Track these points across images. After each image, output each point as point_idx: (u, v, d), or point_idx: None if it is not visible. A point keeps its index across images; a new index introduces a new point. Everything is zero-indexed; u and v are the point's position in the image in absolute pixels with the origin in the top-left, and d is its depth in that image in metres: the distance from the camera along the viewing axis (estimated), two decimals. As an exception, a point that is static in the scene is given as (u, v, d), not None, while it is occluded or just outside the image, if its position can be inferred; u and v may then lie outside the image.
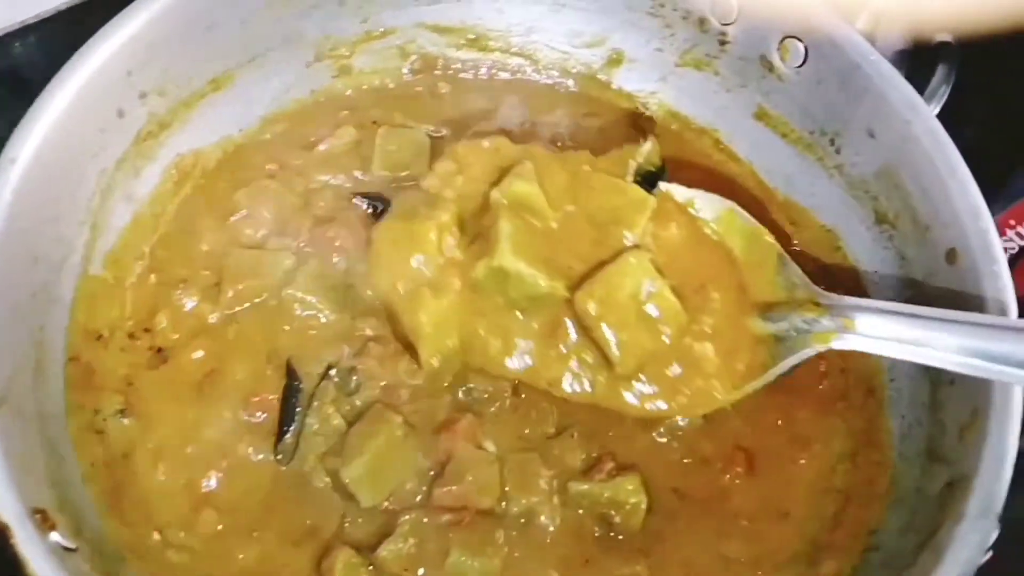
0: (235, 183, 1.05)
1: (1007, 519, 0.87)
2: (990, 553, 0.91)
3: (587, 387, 0.90)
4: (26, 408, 0.80)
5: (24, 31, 1.17)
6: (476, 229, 0.93)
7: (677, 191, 0.96)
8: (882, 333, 0.85)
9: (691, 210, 0.96)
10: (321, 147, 1.08)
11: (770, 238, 0.94)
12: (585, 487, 0.90)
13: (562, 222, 0.93)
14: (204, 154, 1.05)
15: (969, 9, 1.04)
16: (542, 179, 0.94)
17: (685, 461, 0.94)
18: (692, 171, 1.11)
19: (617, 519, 0.90)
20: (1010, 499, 0.87)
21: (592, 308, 0.88)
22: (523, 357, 0.91)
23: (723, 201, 0.96)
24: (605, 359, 0.89)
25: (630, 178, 0.97)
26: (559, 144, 1.12)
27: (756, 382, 0.90)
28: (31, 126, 0.85)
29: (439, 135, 1.11)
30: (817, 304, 0.89)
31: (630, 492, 0.89)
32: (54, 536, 0.72)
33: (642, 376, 0.89)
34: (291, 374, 0.93)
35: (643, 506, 0.90)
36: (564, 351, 0.90)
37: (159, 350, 0.95)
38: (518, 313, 0.91)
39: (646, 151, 1.00)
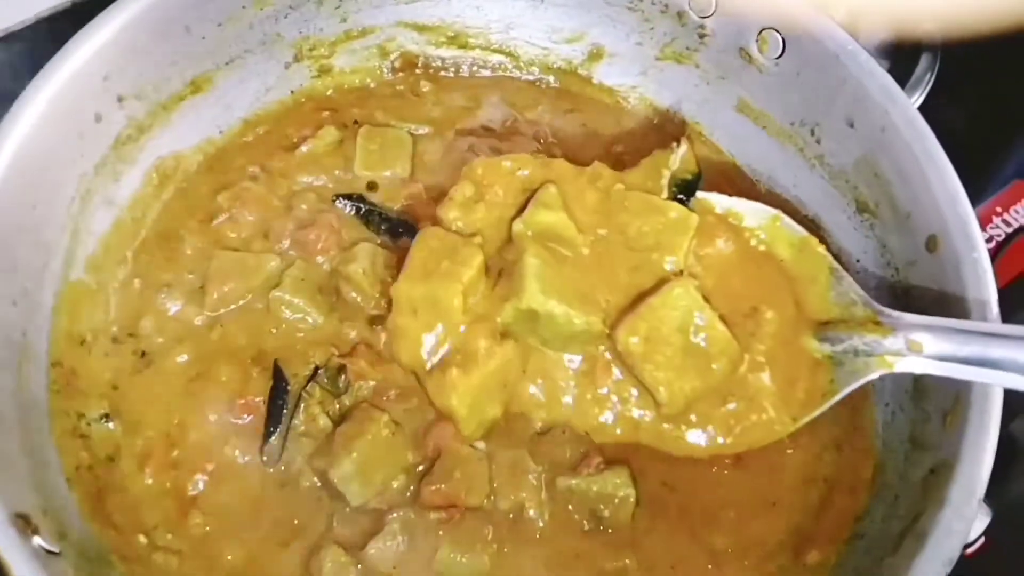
0: (217, 186, 1.05)
1: (1000, 505, 0.88)
2: (982, 539, 0.91)
3: (631, 430, 0.88)
4: (8, 415, 0.80)
5: (7, 39, 1.18)
6: (500, 264, 0.89)
7: (717, 200, 0.92)
8: (954, 354, 0.79)
9: (732, 220, 0.92)
10: (303, 148, 1.08)
11: (820, 248, 0.89)
12: (574, 482, 0.89)
13: (595, 248, 0.88)
14: (185, 157, 1.05)
15: (950, 11, 1.04)
16: (570, 202, 0.89)
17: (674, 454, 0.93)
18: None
19: (606, 513, 0.89)
20: (1003, 485, 0.88)
21: (635, 346, 0.84)
22: (563, 402, 0.88)
23: (767, 209, 0.91)
24: (651, 399, 0.85)
25: (665, 193, 0.93)
26: (542, 140, 1.12)
27: (816, 411, 0.86)
28: (7, 133, 0.86)
29: (421, 133, 1.11)
30: (878, 323, 0.84)
31: (619, 485, 0.89)
32: (37, 540, 0.72)
33: (692, 416, 0.86)
34: (278, 375, 0.93)
35: (632, 499, 0.89)
36: (605, 392, 0.87)
37: (143, 354, 0.95)
38: (556, 354, 0.87)
39: (680, 156, 0.95)
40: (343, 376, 0.93)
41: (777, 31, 1.01)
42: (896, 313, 0.85)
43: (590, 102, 1.17)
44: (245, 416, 0.92)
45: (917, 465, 0.85)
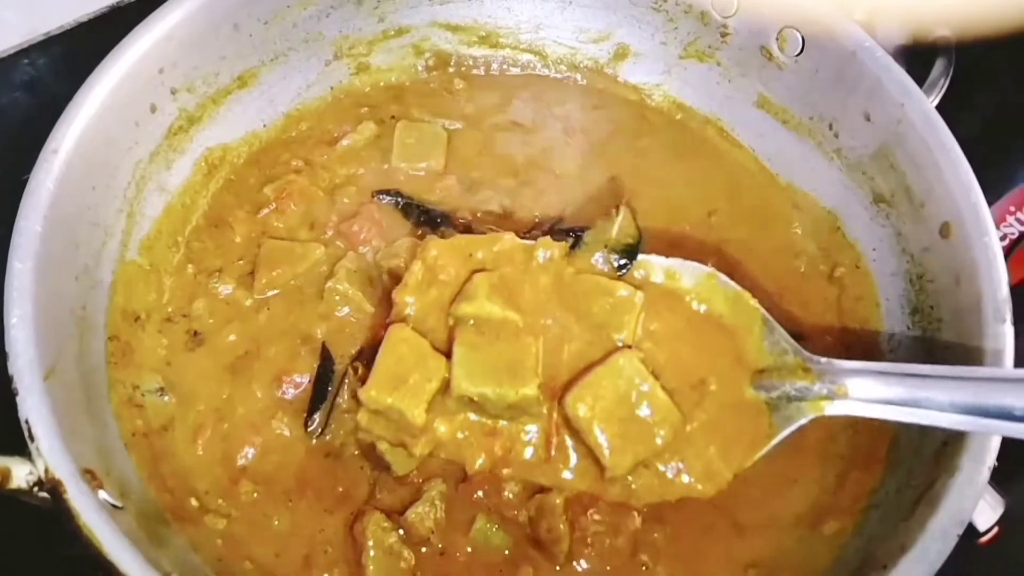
0: (263, 179, 1.10)
1: (1014, 497, 0.91)
2: (996, 528, 0.94)
3: (584, 483, 0.90)
4: (72, 380, 0.84)
5: (46, 43, 1.23)
6: (449, 344, 0.91)
7: (656, 261, 0.95)
8: (876, 396, 0.84)
9: (671, 282, 0.95)
10: (343, 142, 1.13)
11: (753, 302, 0.93)
12: None
13: (548, 329, 0.91)
14: (231, 148, 1.10)
15: (966, 11, 1.08)
16: (518, 285, 0.92)
17: None
18: (699, 161, 1.17)
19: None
20: (1018, 478, 0.91)
21: (583, 412, 0.87)
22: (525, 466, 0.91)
23: (702, 268, 0.95)
24: (596, 465, 0.88)
25: (603, 263, 0.96)
26: (570, 135, 1.17)
27: (755, 456, 0.89)
28: (71, 119, 0.90)
29: (455, 128, 1.16)
30: (807, 370, 0.88)
31: None
32: (102, 494, 0.76)
33: (642, 474, 0.89)
34: (325, 355, 0.98)
35: None
36: (553, 455, 0.90)
37: (195, 333, 0.99)
38: (513, 426, 0.90)
39: (619, 223, 0.98)
40: None
41: (797, 30, 1.05)
42: (824, 360, 0.89)
43: (616, 99, 1.21)
44: (291, 393, 0.96)
45: (930, 439, 0.87)
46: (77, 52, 1.18)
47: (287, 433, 0.94)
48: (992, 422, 0.78)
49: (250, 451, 0.93)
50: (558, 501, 0.89)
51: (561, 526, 0.89)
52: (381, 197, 1.08)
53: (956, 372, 0.82)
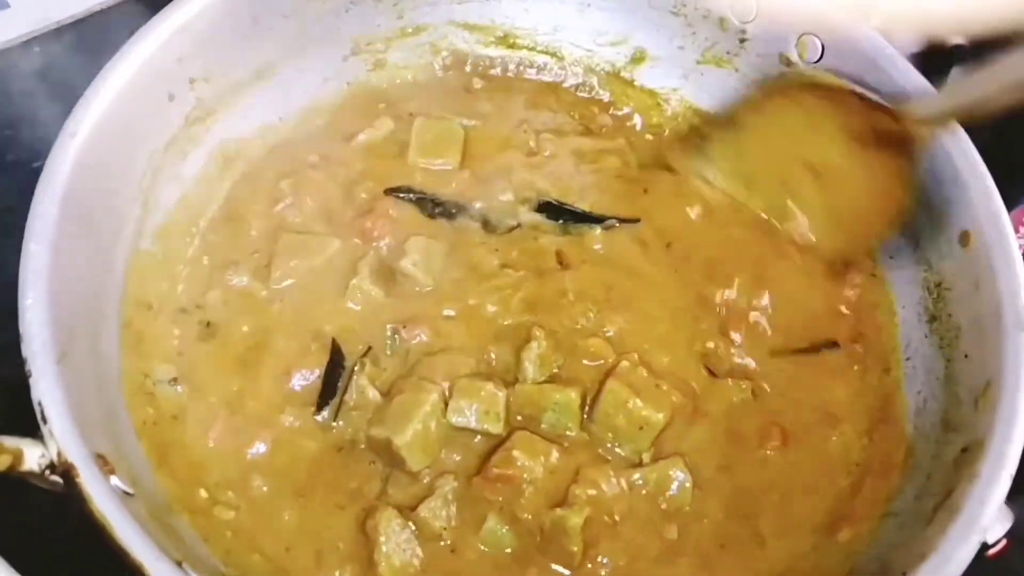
0: (279, 174, 1.09)
1: (1022, 514, 0.90)
2: (1004, 541, 0.94)
3: None
4: (85, 366, 0.83)
5: (58, 32, 1.22)
6: None
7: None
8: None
9: None
10: (360, 138, 1.12)
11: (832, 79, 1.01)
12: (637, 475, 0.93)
13: None
14: (246, 140, 1.09)
15: (978, 11, 1.08)
16: None
17: (726, 436, 0.97)
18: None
19: (663, 506, 0.92)
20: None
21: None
22: None
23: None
24: None
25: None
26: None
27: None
28: (89, 103, 0.89)
29: (471, 126, 1.15)
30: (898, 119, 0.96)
31: (671, 477, 0.92)
32: (114, 480, 0.75)
33: None
34: (336, 351, 0.97)
35: (688, 484, 0.92)
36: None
37: (208, 324, 0.98)
38: None
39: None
40: (398, 336, 0.97)
41: (816, 36, 1.05)
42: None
43: (632, 103, 1.21)
44: (300, 386, 0.95)
45: (949, 446, 0.87)
46: (89, 41, 1.18)
47: (298, 428, 0.93)
48: None
49: (261, 445, 0.92)
50: (576, 521, 0.88)
51: (575, 548, 0.88)
52: (399, 196, 1.08)
53: None
